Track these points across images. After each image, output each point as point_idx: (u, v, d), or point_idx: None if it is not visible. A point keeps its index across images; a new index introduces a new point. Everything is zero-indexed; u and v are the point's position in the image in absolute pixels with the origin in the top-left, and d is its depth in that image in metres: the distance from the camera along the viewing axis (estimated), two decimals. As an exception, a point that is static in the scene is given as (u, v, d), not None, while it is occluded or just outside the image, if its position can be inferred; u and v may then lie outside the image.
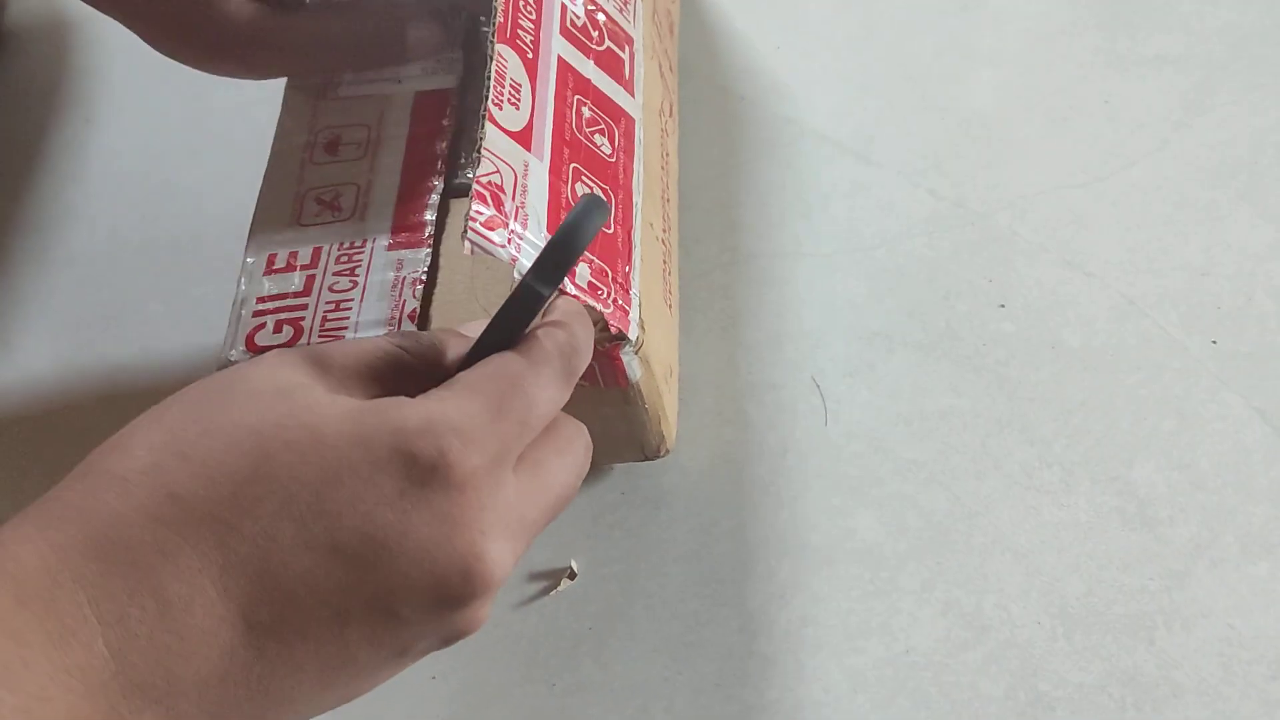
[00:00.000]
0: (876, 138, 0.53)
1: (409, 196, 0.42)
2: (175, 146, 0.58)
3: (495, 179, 0.34)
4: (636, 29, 0.45)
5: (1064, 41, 0.55)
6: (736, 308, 0.49)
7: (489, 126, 0.35)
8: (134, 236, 0.55)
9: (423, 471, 0.26)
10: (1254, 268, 0.47)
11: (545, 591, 0.43)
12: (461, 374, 0.29)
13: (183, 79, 0.59)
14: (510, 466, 0.28)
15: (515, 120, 0.36)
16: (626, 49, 0.44)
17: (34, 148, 0.59)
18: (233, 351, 0.39)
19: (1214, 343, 0.45)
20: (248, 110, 0.56)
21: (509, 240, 0.33)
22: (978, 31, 0.56)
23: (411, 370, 0.30)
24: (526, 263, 0.33)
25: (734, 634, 0.41)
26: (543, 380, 0.29)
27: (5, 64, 0.62)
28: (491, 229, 0.33)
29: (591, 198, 0.29)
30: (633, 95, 0.43)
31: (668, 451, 0.43)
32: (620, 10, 0.44)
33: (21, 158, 0.58)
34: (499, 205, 0.34)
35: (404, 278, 0.40)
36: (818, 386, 0.46)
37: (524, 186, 0.35)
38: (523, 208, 0.34)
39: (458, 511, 0.26)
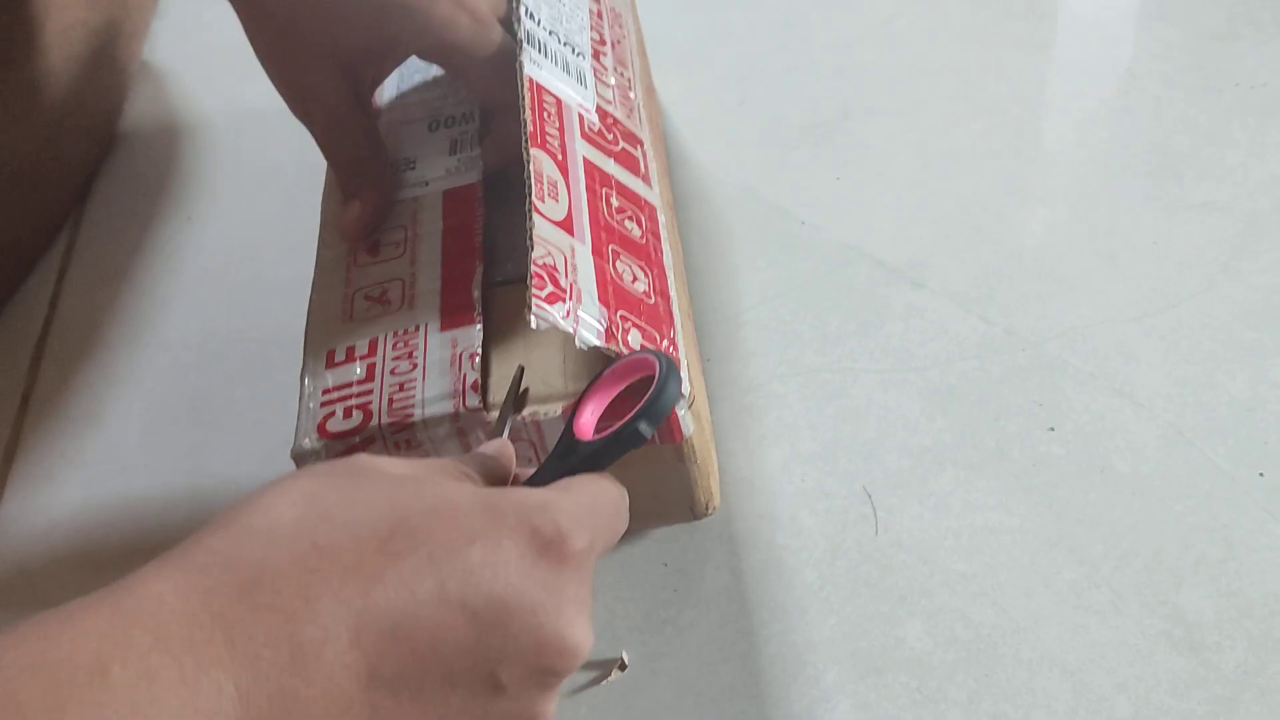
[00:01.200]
0: (931, 265, 0.55)
1: (453, 283, 0.44)
2: (265, 246, 0.62)
3: (548, 260, 0.38)
4: (644, 131, 0.49)
5: (1114, 185, 0.57)
6: (793, 417, 0.50)
7: (536, 217, 0.38)
8: (223, 327, 0.59)
9: (542, 543, 0.29)
10: (1300, 405, 0.48)
11: (596, 681, 0.44)
12: (559, 482, 0.33)
13: (276, 186, 0.64)
14: (592, 563, 0.31)
15: (556, 211, 0.40)
16: (639, 148, 0.48)
17: (137, 240, 0.63)
18: (306, 440, 0.41)
19: (1261, 475, 0.46)
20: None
21: (568, 313, 0.37)
22: (1031, 173, 0.59)
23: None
24: (586, 333, 0.37)
25: (780, 735, 0.42)
26: (623, 511, 0.34)
27: (119, 162, 0.66)
28: (551, 304, 0.36)
29: (668, 361, 0.34)
30: (649, 186, 0.47)
31: (715, 509, 0.45)
32: (628, 116, 0.49)
33: (125, 249, 0.62)
34: (555, 282, 0.37)
35: (460, 353, 0.42)
36: (869, 497, 0.47)
37: (573, 266, 0.39)
38: (575, 284, 0.38)
39: (563, 585, 0.29)
